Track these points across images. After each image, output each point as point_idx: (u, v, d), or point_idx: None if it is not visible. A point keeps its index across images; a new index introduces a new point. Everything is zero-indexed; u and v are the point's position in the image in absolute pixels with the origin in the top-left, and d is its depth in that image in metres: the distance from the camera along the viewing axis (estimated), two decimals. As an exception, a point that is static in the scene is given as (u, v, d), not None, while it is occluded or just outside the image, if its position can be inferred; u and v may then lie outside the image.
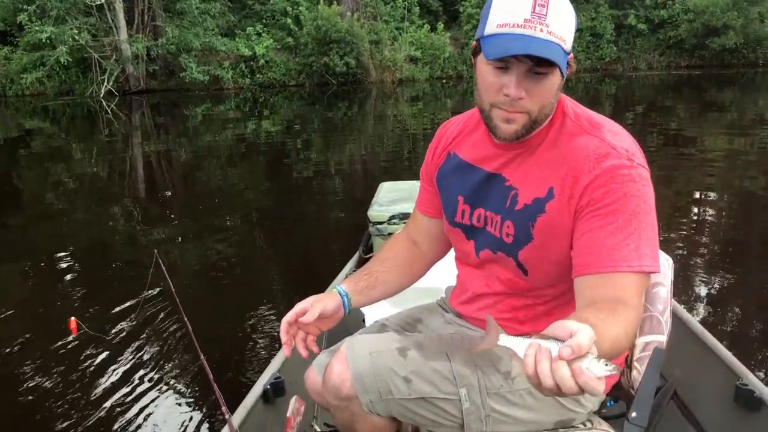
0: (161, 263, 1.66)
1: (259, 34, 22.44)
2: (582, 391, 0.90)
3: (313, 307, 1.47)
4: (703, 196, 6.45)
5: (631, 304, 1.19)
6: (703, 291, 4.07)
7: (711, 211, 5.90)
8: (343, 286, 1.59)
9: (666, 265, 1.60)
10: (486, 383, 1.40)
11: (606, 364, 0.89)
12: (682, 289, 4.04)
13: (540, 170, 1.33)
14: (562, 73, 1.25)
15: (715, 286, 4.15)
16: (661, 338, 1.55)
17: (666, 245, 4.82)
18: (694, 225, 5.46)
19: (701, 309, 3.78)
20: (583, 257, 1.25)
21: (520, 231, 1.35)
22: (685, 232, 5.24)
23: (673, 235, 5.14)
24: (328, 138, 11.75)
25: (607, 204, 1.23)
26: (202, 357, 1.65)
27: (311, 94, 20.32)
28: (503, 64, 1.24)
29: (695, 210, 5.97)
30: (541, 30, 1.20)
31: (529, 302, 1.44)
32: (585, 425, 1.51)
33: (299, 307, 1.49)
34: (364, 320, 2.45)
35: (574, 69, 1.30)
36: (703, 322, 3.45)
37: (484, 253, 1.46)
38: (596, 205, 1.24)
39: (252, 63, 22.31)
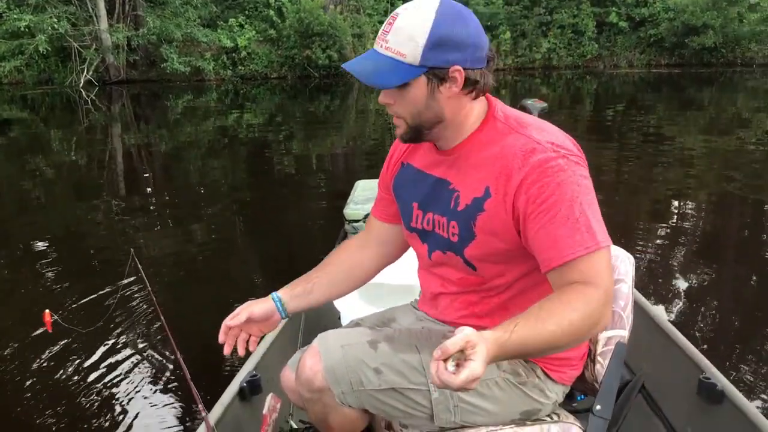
0: (138, 261, 1.67)
1: (241, 26, 22.30)
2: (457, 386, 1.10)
3: (240, 312, 1.59)
4: (679, 194, 6.54)
5: (598, 282, 1.28)
6: (672, 287, 4.16)
7: (687, 209, 6.00)
8: (280, 291, 1.66)
9: (627, 262, 1.67)
10: None
11: (451, 366, 1.12)
12: (652, 284, 4.13)
13: (476, 171, 1.41)
14: (438, 79, 1.34)
15: (686, 282, 4.24)
16: (623, 333, 1.60)
17: (641, 241, 4.91)
18: (670, 222, 5.55)
19: (670, 305, 3.86)
20: (544, 254, 1.32)
21: (463, 230, 1.42)
22: (661, 229, 5.33)
23: (648, 232, 5.23)
24: (309, 131, 11.74)
25: (545, 198, 1.30)
26: (178, 354, 1.67)
27: (293, 86, 20.26)
28: None
29: (671, 207, 6.06)
30: (381, 45, 1.35)
31: (483, 296, 1.50)
32: (551, 417, 1.55)
33: (237, 311, 1.60)
34: (340, 318, 2.49)
35: (459, 80, 1.34)
36: (672, 317, 3.54)
37: (436, 255, 1.52)
38: (536, 201, 1.30)
39: (234, 54, 22.17)
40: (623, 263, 1.66)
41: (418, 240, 1.58)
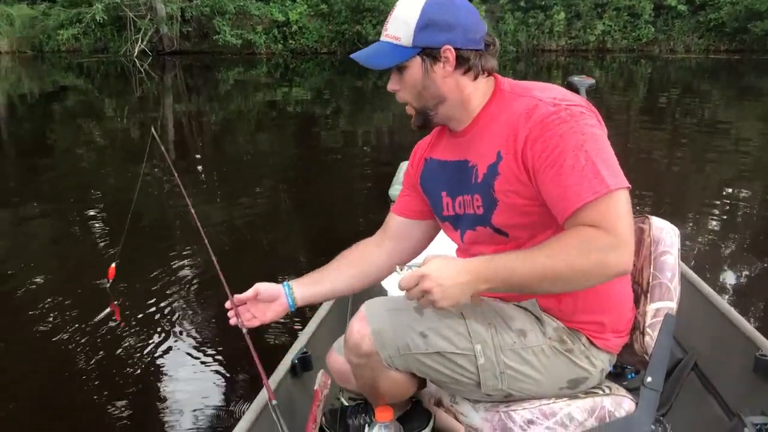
0: (200, 226, 1.70)
1: (293, 0, 22.36)
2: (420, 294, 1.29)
3: (247, 292, 1.68)
4: (732, 179, 6.38)
5: (607, 225, 1.28)
6: (722, 265, 4.14)
7: (740, 194, 5.84)
8: (292, 281, 1.72)
9: (672, 234, 1.67)
10: (500, 341, 1.47)
11: (400, 270, 1.39)
12: (701, 261, 4.10)
13: (489, 142, 1.46)
14: (431, 59, 1.44)
15: (736, 262, 4.24)
16: (671, 305, 1.60)
17: (692, 221, 4.86)
18: (722, 204, 5.43)
19: (720, 282, 3.83)
20: (557, 206, 1.35)
21: (486, 199, 1.46)
22: (712, 210, 5.24)
23: (699, 213, 5.17)
24: (356, 108, 11.77)
25: (550, 152, 1.33)
26: (240, 320, 1.68)
27: (342, 62, 20.27)
28: None
29: (723, 191, 5.92)
30: (383, 34, 1.49)
31: None
32: (603, 390, 1.57)
33: (247, 293, 1.69)
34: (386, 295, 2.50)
35: (451, 59, 1.44)
36: (722, 295, 3.50)
37: (467, 235, 1.56)
38: (542, 156, 1.34)
39: (285, 29, 22.28)
40: (668, 234, 1.66)
41: (452, 228, 1.62)
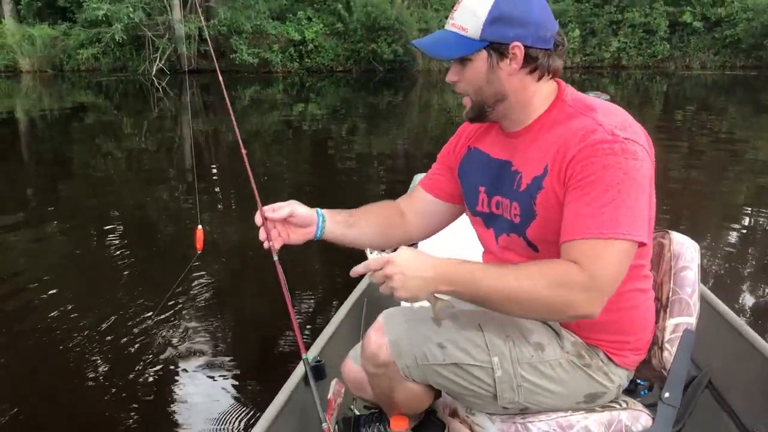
0: (269, 228, 1.62)
1: (309, 19, 22.60)
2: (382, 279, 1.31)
3: (283, 206, 1.62)
4: (752, 199, 6.33)
5: (591, 268, 1.26)
6: (738, 284, 4.11)
7: (760, 213, 5.79)
8: (324, 210, 1.68)
9: (693, 249, 1.66)
10: (517, 353, 1.46)
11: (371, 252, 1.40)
12: (718, 280, 4.08)
13: (539, 152, 1.42)
14: (498, 54, 1.39)
15: (752, 280, 4.19)
16: (691, 320, 1.59)
17: (708, 239, 4.82)
18: (740, 222, 5.40)
19: (737, 301, 3.79)
20: (564, 227, 1.33)
21: (525, 210, 1.43)
22: (729, 229, 5.20)
23: (716, 231, 5.13)
24: (371, 125, 11.82)
25: (585, 176, 1.30)
26: (289, 304, 1.65)
27: (357, 80, 20.41)
28: None
29: (743, 210, 5.87)
30: (449, 23, 1.42)
31: None
32: (620, 404, 1.56)
33: (280, 204, 1.63)
34: (400, 304, 2.51)
35: (519, 56, 1.38)
36: (738, 312, 3.47)
37: (502, 239, 1.53)
38: (577, 177, 1.31)
39: (301, 47, 22.50)
40: (688, 250, 1.65)
41: (483, 225, 1.59)
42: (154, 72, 21.05)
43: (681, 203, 6.04)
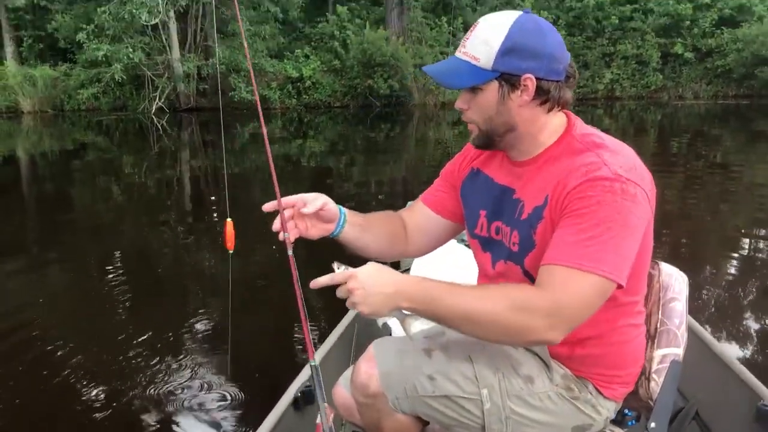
0: (292, 254, 1.51)
1: (307, 56, 22.91)
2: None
3: (317, 198, 1.58)
4: (746, 228, 6.37)
5: (558, 296, 1.24)
6: (727, 315, 4.10)
7: (750, 241, 5.83)
8: (346, 209, 1.65)
9: (681, 281, 1.67)
10: (507, 386, 1.46)
11: (338, 268, 1.35)
12: (706, 311, 4.08)
13: (542, 183, 1.42)
14: (509, 85, 1.37)
15: (742, 311, 4.17)
16: (678, 351, 1.60)
17: (699, 268, 4.84)
18: (732, 252, 5.40)
19: (724, 332, 3.81)
20: (547, 250, 1.32)
21: (524, 239, 1.43)
22: (722, 258, 5.21)
23: (708, 260, 5.15)
24: (369, 158, 11.92)
25: (579, 207, 1.29)
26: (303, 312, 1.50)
27: (355, 115, 20.61)
28: None
29: (737, 239, 5.90)
30: (460, 51, 1.40)
31: None
32: None
33: (314, 195, 1.59)
34: (391, 335, 2.51)
35: (531, 88, 1.37)
36: (727, 345, 3.50)
37: (499, 265, 1.53)
38: (572, 207, 1.31)
39: (299, 84, 22.77)
40: (677, 281, 1.66)
41: (480, 248, 1.59)
42: (153, 110, 21.26)
43: (676, 232, 6.07)
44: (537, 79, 1.35)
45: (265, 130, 1.77)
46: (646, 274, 1.54)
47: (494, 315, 1.25)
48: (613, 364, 1.51)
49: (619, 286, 1.28)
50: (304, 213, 1.57)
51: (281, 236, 1.54)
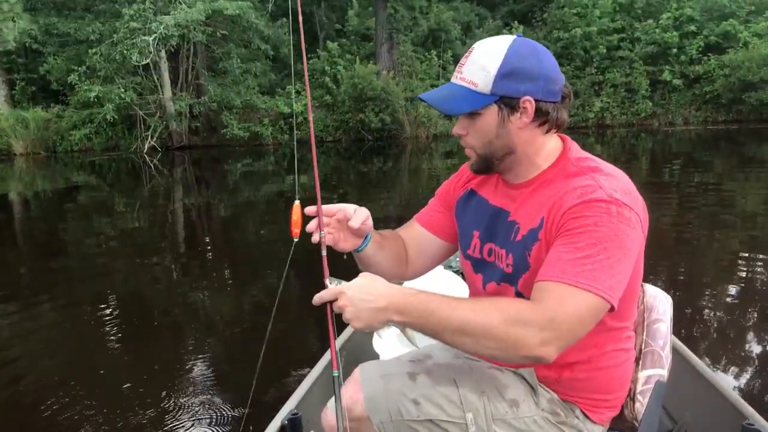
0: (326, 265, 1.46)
1: (298, 92, 23.08)
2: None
3: (361, 211, 1.58)
4: (742, 251, 6.35)
5: (554, 312, 1.22)
6: (714, 336, 4.10)
7: (755, 269, 5.80)
8: (373, 232, 1.65)
9: (666, 302, 1.69)
10: (492, 410, 1.45)
11: (330, 283, 1.35)
12: (694, 331, 4.08)
13: (537, 205, 1.42)
14: (509, 108, 1.38)
15: (729, 334, 4.16)
16: (662, 372, 1.60)
17: (698, 294, 4.81)
18: (737, 280, 5.39)
19: (711, 353, 3.80)
20: (542, 267, 1.31)
21: (518, 260, 1.43)
22: (714, 282, 5.20)
23: (709, 286, 5.12)
24: (362, 192, 11.93)
25: (576, 227, 1.29)
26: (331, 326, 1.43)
27: (347, 149, 20.70)
28: None
29: (737, 266, 5.88)
30: (456, 77, 1.41)
31: None
32: None
33: (344, 206, 1.60)
34: (378, 357, 2.52)
35: (530, 110, 1.38)
36: (713, 366, 3.48)
37: (490, 286, 1.53)
38: (567, 227, 1.31)
39: (291, 120, 22.89)
40: (661, 303, 1.67)
41: (471, 269, 1.59)
42: (146, 149, 21.30)
43: (669, 256, 6.06)
44: (535, 100, 1.37)
45: (312, 135, 1.74)
46: (636, 301, 1.55)
47: (489, 328, 1.23)
48: (601, 388, 1.50)
49: (611, 309, 1.27)
50: (350, 226, 1.56)
51: (315, 237, 1.52)
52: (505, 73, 1.35)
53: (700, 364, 2.23)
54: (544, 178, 1.45)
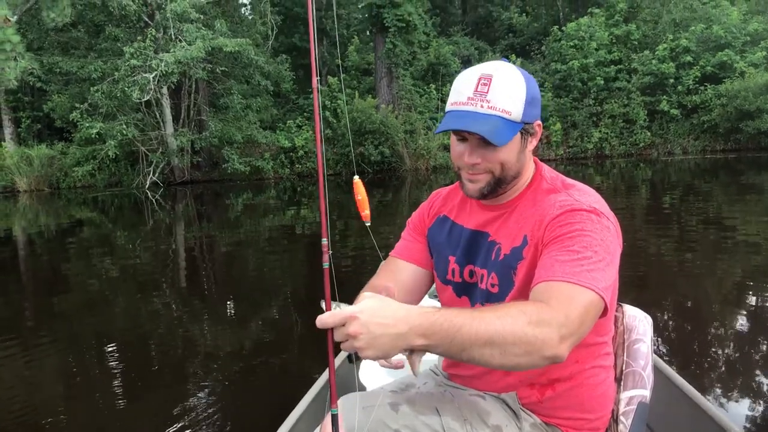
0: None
1: (299, 126, 23.32)
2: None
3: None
4: (747, 281, 6.35)
5: (565, 311, 1.20)
6: (700, 357, 4.11)
7: (757, 297, 5.79)
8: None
9: (645, 322, 1.70)
10: None
11: (336, 306, 1.19)
12: (682, 356, 4.08)
13: (517, 224, 1.46)
14: (528, 134, 1.44)
15: (721, 357, 4.14)
16: (645, 392, 1.61)
17: (695, 319, 4.79)
18: (739, 307, 5.38)
19: (703, 374, 3.82)
20: (539, 271, 1.32)
21: (503, 280, 1.46)
22: (725, 313, 5.18)
23: (713, 316, 5.11)
24: (363, 225, 11.96)
25: (564, 233, 1.33)
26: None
27: (347, 182, 20.77)
28: (461, 135, 1.43)
29: (741, 295, 5.87)
30: (481, 106, 1.38)
31: None
32: None
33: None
34: (366, 389, 2.52)
35: (539, 133, 1.46)
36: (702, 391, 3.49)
37: (479, 307, 1.52)
38: (555, 234, 1.34)
39: (291, 154, 23.10)
40: (641, 323, 1.68)
41: (453, 294, 1.60)
42: (147, 185, 21.43)
43: (670, 281, 6.07)
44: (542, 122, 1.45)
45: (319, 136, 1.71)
46: (613, 315, 1.58)
47: (517, 332, 1.14)
48: (583, 407, 1.51)
49: (605, 312, 1.29)
50: None
51: (325, 250, 1.45)
52: (529, 101, 1.40)
53: (684, 383, 2.24)
54: (522, 197, 1.50)
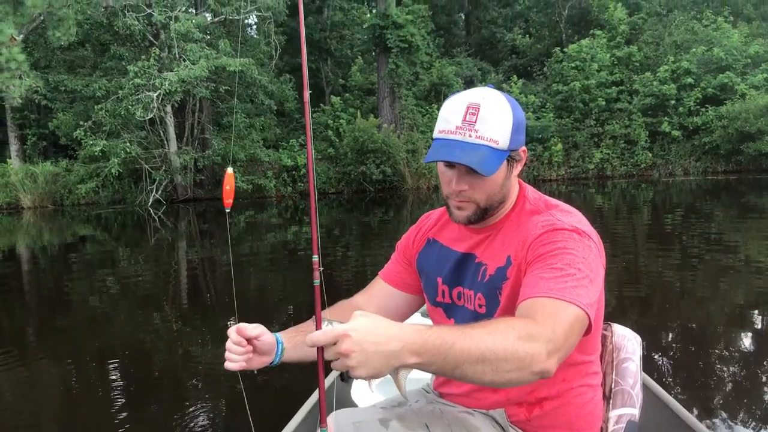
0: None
1: (302, 145, 23.44)
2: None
3: (257, 327, 1.51)
4: (749, 303, 6.35)
5: (551, 326, 1.20)
6: (691, 377, 4.10)
7: (762, 320, 5.78)
8: (282, 334, 1.57)
9: (635, 341, 1.71)
10: None
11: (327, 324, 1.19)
12: (683, 378, 4.07)
13: (501, 245, 1.49)
14: (514, 161, 1.46)
15: (703, 372, 4.15)
16: (634, 411, 1.62)
17: (721, 349, 4.79)
18: (745, 330, 5.38)
19: (692, 392, 3.83)
20: (524, 289, 1.34)
21: (489, 300, 1.48)
22: (732, 337, 5.19)
23: (716, 340, 5.11)
24: (364, 243, 12.00)
25: (548, 252, 1.35)
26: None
27: (350, 200, 20.87)
28: (448, 162, 1.44)
29: (744, 317, 5.87)
30: (470, 135, 1.39)
31: None
32: None
33: (254, 325, 1.52)
34: (356, 405, 2.53)
35: (525, 159, 1.49)
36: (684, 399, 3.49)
37: None
38: (539, 252, 1.36)
39: (294, 172, 23.19)
40: (630, 342, 1.70)
41: (443, 315, 1.62)
42: (150, 203, 21.51)
43: (675, 306, 6.07)
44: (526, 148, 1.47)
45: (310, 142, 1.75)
46: (599, 334, 1.59)
47: (507, 348, 1.13)
48: (571, 425, 1.52)
49: (588, 329, 1.30)
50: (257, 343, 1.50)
51: (316, 267, 1.46)
52: (515, 128, 1.41)
53: (674, 403, 2.24)
54: (507, 219, 1.52)
